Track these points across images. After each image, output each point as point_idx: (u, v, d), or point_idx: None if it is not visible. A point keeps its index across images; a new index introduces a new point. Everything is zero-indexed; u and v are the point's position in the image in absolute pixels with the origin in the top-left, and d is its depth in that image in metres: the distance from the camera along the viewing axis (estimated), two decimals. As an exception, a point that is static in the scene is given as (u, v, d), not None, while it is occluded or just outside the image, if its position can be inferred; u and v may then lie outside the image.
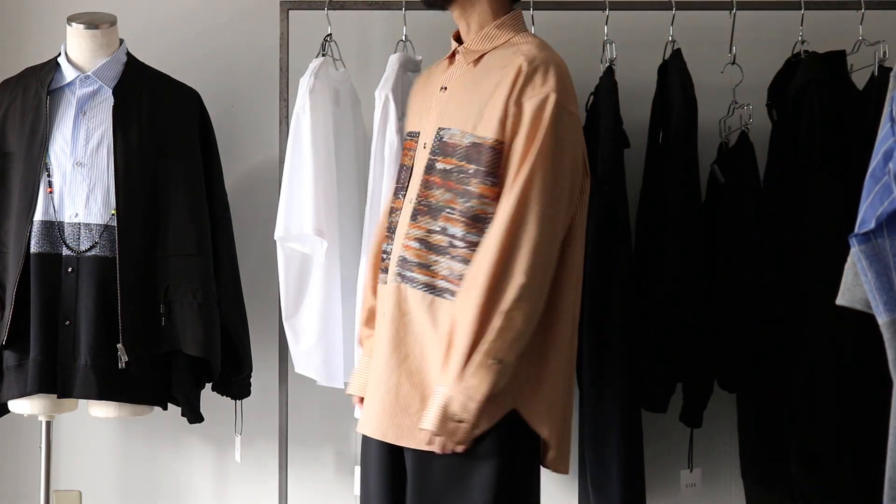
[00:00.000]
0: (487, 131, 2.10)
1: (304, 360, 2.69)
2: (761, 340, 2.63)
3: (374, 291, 2.33)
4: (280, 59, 2.86)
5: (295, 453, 2.93)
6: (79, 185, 2.56)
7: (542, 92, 2.08)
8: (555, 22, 2.92)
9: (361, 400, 2.31)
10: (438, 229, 2.13)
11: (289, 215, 2.61)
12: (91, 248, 2.55)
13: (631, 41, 2.93)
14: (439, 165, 2.15)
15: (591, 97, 2.77)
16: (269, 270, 2.87)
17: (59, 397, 2.53)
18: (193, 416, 2.68)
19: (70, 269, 2.54)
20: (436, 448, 2.06)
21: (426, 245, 2.14)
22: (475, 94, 2.15)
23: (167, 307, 2.58)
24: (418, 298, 2.13)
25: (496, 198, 2.08)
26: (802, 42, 2.76)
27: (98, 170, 2.57)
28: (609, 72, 2.72)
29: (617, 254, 2.63)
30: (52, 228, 2.55)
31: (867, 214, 1.98)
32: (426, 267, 2.13)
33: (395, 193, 2.30)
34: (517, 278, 2.03)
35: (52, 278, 2.53)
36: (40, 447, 2.75)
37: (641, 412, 2.68)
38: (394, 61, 2.64)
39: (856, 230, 2.00)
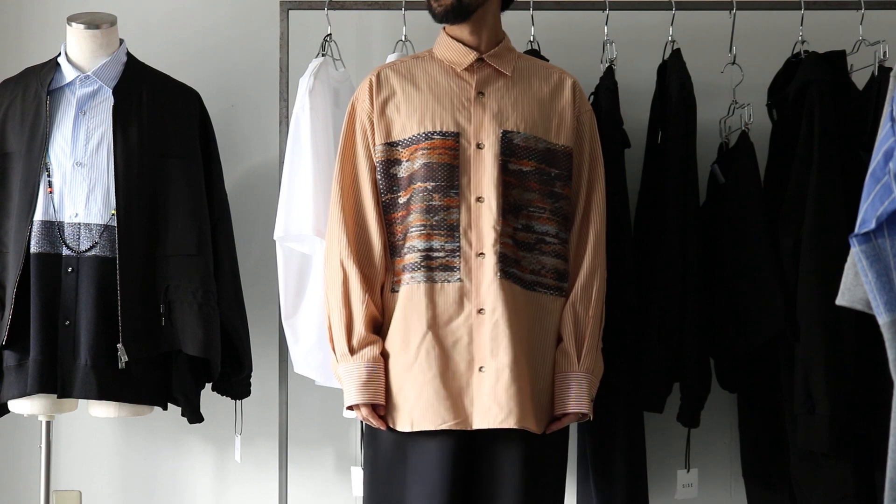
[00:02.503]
0: (560, 138, 2.36)
1: (303, 359, 2.69)
2: (762, 340, 2.63)
3: (373, 298, 2.31)
4: (280, 59, 2.86)
5: (295, 453, 2.93)
6: (79, 185, 2.56)
7: (588, 109, 2.44)
8: (555, 22, 2.92)
9: (374, 408, 2.27)
10: (521, 227, 2.31)
11: (288, 215, 2.61)
12: (91, 248, 2.55)
13: (631, 41, 2.93)
14: (513, 167, 2.31)
15: (591, 97, 2.77)
16: (269, 270, 2.87)
17: (59, 397, 2.53)
18: (193, 416, 2.67)
19: (70, 269, 2.54)
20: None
21: (515, 242, 2.29)
22: (532, 104, 2.36)
23: (167, 307, 2.58)
24: (518, 293, 2.28)
25: (570, 196, 2.37)
26: (802, 42, 2.76)
27: (98, 170, 2.57)
28: (609, 72, 2.73)
29: (617, 253, 2.63)
30: (52, 228, 2.55)
31: (867, 214, 1.98)
32: (517, 263, 2.29)
33: (437, 191, 2.28)
34: (601, 275, 2.37)
35: (52, 278, 2.53)
36: (40, 447, 2.75)
37: (643, 413, 2.69)
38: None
39: (856, 230, 2.00)
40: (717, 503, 3.05)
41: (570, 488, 2.91)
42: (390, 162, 2.33)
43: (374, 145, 2.34)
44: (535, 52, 2.76)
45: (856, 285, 2.05)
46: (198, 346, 2.56)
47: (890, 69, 2.42)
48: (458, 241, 2.27)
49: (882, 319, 1.98)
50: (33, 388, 2.50)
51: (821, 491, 2.58)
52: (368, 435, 2.34)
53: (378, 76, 2.38)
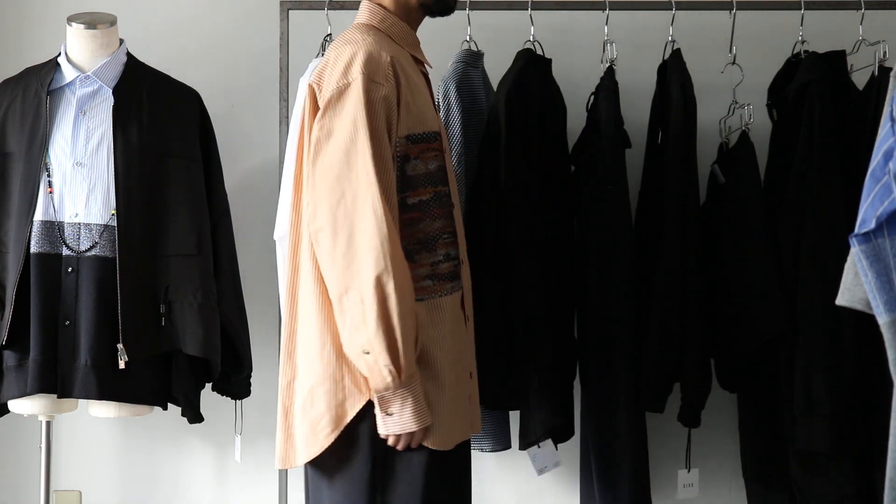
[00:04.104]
0: None
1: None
2: (762, 340, 2.62)
3: None
4: (280, 59, 2.86)
5: (295, 453, 2.92)
6: (79, 185, 2.56)
7: None
8: (555, 22, 2.92)
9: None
10: None
11: (288, 216, 2.61)
12: (91, 248, 2.55)
13: (631, 41, 2.93)
14: None
15: (592, 97, 2.77)
16: (269, 270, 2.87)
17: (59, 397, 2.53)
18: (193, 416, 2.67)
19: (70, 269, 2.54)
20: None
21: None
22: None
23: (167, 307, 2.58)
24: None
25: None
26: (802, 42, 2.76)
27: (98, 170, 2.57)
28: (609, 72, 2.73)
29: (620, 254, 2.63)
30: (52, 228, 2.54)
31: (867, 214, 1.99)
32: None
33: (448, 196, 2.17)
34: None
35: (52, 278, 2.53)
36: (40, 447, 2.74)
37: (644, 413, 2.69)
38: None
39: (856, 230, 2.00)
40: (717, 503, 3.05)
41: (574, 489, 2.92)
42: (406, 158, 2.10)
43: (397, 137, 2.08)
44: (528, 52, 2.75)
45: (856, 285, 2.05)
46: (198, 346, 2.56)
47: (890, 69, 2.42)
48: (458, 248, 2.18)
49: (882, 319, 1.98)
50: (33, 388, 2.50)
51: (821, 491, 2.58)
52: (394, 457, 2.07)
53: (391, 59, 2.10)
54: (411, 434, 2.02)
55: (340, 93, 2.04)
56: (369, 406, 2.04)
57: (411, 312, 2.00)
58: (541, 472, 2.71)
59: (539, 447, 2.69)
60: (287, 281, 2.12)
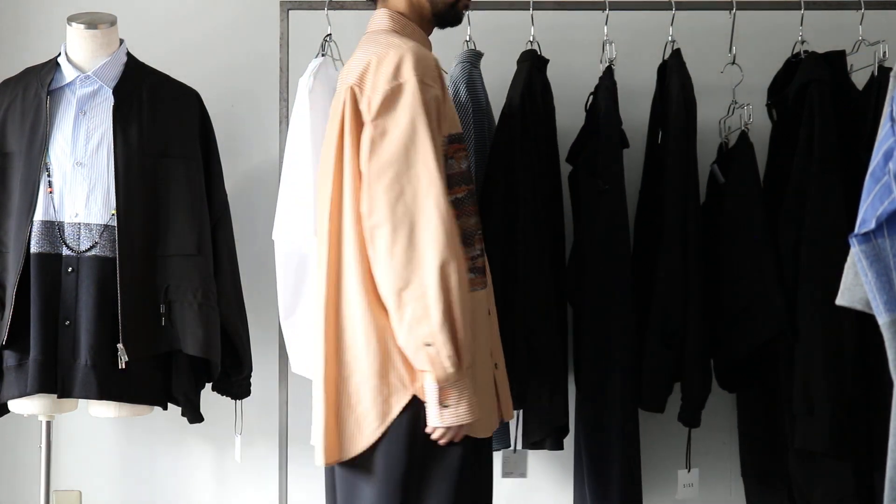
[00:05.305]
0: None
1: (300, 360, 2.69)
2: (761, 340, 2.63)
3: None
4: (280, 59, 2.86)
5: (295, 453, 2.92)
6: (79, 185, 2.56)
7: None
8: (555, 22, 2.92)
9: None
10: None
11: (288, 215, 2.61)
12: (91, 247, 2.55)
13: (631, 41, 2.93)
14: None
15: (591, 97, 2.77)
16: (269, 270, 2.87)
17: (59, 397, 2.53)
18: (193, 415, 2.67)
19: (70, 269, 2.54)
20: None
21: None
22: None
23: (167, 307, 2.58)
24: None
25: None
26: (802, 42, 2.76)
27: (98, 170, 2.57)
28: (609, 72, 2.73)
29: (617, 254, 2.63)
30: (53, 228, 2.54)
31: (867, 214, 1.99)
32: None
33: (475, 195, 2.26)
34: None
35: (52, 278, 2.53)
36: (40, 447, 2.74)
37: (639, 412, 2.68)
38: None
39: (856, 230, 2.00)
40: (717, 503, 3.05)
41: (567, 488, 2.92)
42: (445, 157, 2.17)
43: (441, 136, 2.15)
44: (533, 52, 2.76)
45: (856, 285, 2.05)
46: (198, 345, 2.56)
47: (890, 69, 2.42)
48: (483, 244, 2.26)
49: (882, 319, 1.98)
50: (33, 387, 2.50)
51: (820, 491, 2.58)
52: (433, 450, 2.12)
53: (436, 62, 2.19)
54: (460, 427, 2.07)
55: (394, 93, 2.09)
56: (413, 401, 2.09)
57: (469, 304, 2.07)
58: (506, 476, 2.76)
59: (514, 452, 2.71)
60: (325, 282, 2.13)
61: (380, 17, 2.27)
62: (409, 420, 2.09)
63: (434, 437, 2.08)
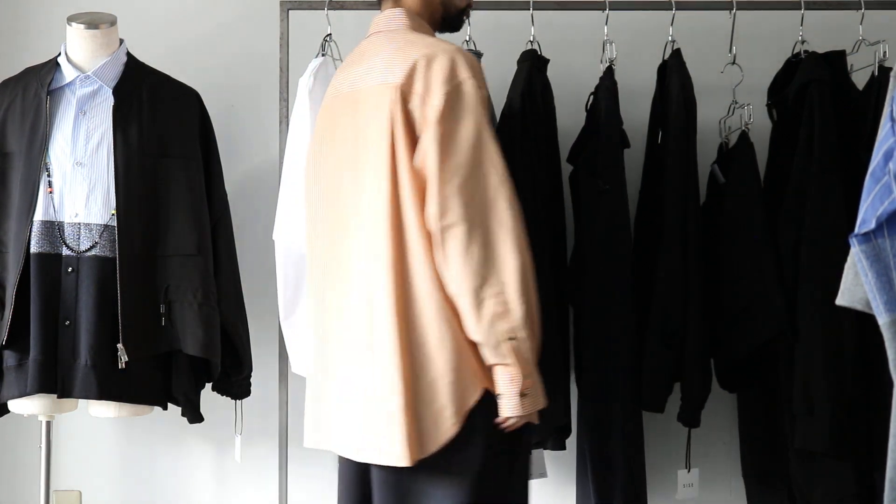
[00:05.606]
0: None
1: (300, 359, 2.69)
2: (761, 340, 2.63)
3: None
4: (280, 59, 2.86)
5: (295, 453, 2.92)
6: (79, 184, 2.56)
7: None
8: (555, 22, 2.92)
9: None
10: None
11: (288, 216, 2.61)
12: (91, 247, 2.55)
13: (631, 41, 2.93)
14: None
15: (591, 97, 2.77)
16: (269, 270, 2.87)
17: (59, 397, 2.53)
18: (193, 415, 2.68)
19: (70, 269, 2.54)
20: None
21: None
22: None
23: (167, 307, 2.58)
24: None
25: None
26: (802, 42, 2.76)
27: (98, 170, 2.57)
28: (609, 72, 2.73)
29: (617, 254, 2.63)
30: (52, 228, 2.55)
31: (867, 214, 1.99)
32: None
33: None
34: None
35: (52, 278, 2.53)
36: (40, 447, 2.74)
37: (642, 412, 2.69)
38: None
39: (856, 230, 2.00)
40: (717, 503, 3.05)
41: (570, 487, 2.92)
42: None
43: None
44: (534, 52, 2.76)
45: (856, 285, 2.05)
46: (198, 345, 2.56)
47: (890, 69, 2.42)
48: None
49: (882, 319, 1.98)
50: (33, 387, 2.50)
51: (820, 491, 2.58)
52: (507, 440, 2.17)
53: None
54: (532, 413, 2.11)
55: (456, 94, 2.09)
56: (484, 394, 2.10)
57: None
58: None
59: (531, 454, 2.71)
60: (391, 284, 2.10)
61: (397, 16, 2.26)
62: (482, 413, 2.09)
63: (505, 425, 2.10)
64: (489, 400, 2.09)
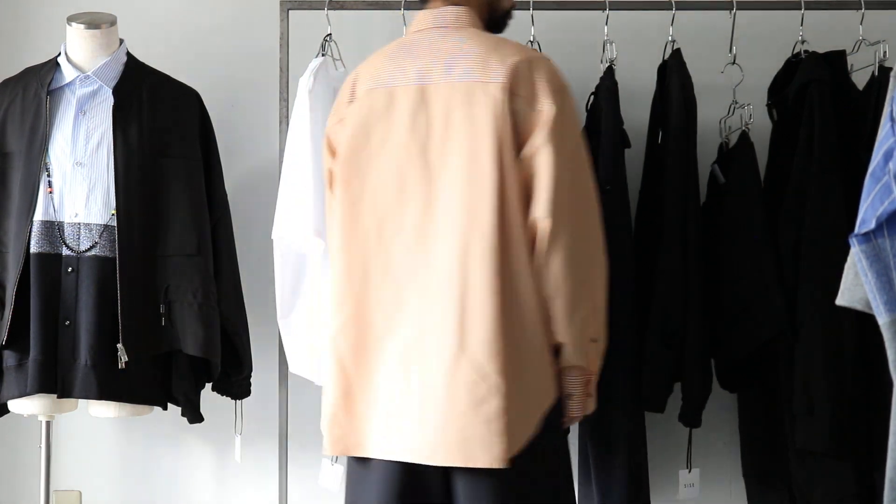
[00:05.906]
0: None
1: (298, 359, 2.69)
2: (761, 340, 2.63)
3: None
4: (280, 59, 2.86)
5: (295, 453, 2.93)
6: (79, 184, 2.56)
7: None
8: (555, 22, 2.92)
9: None
10: None
11: (287, 215, 2.61)
12: (91, 247, 2.55)
13: (631, 41, 2.93)
14: None
15: (591, 97, 2.77)
16: (269, 270, 2.87)
17: (59, 397, 2.53)
18: (193, 416, 2.68)
19: (70, 269, 2.54)
20: None
21: None
22: None
23: (167, 307, 2.58)
24: None
25: None
26: (802, 42, 2.76)
27: (98, 170, 2.57)
28: (609, 72, 2.73)
29: (618, 254, 2.63)
30: (52, 228, 2.55)
31: (867, 214, 1.99)
32: None
33: None
34: None
35: (51, 278, 2.53)
36: (40, 447, 2.75)
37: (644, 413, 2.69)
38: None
39: (856, 230, 2.00)
40: (717, 503, 3.05)
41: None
42: None
43: None
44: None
45: (856, 285, 2.05)
46: (198, 346, 2.57)
47: (890, 69, 2.42)
48: None
49: (882, 319, 1.98)
50: (33, 387, 2.50)
51: (820, 491, 2.58)
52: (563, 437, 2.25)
53: None
54: None
55: (565, 101, 2.15)
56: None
57: None
58: None
59: None
60: (496, 286, 2.06)
61: (459, 14, 2.23)
62: (553, 410, 2.13)
63: (572, 421, 2.19)
64: (556, 397, 2.14)
